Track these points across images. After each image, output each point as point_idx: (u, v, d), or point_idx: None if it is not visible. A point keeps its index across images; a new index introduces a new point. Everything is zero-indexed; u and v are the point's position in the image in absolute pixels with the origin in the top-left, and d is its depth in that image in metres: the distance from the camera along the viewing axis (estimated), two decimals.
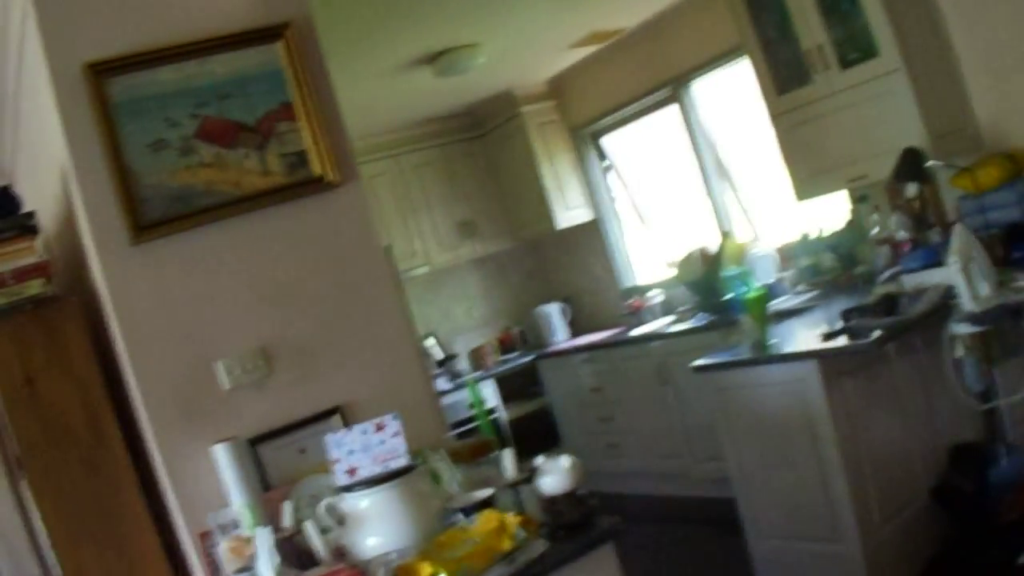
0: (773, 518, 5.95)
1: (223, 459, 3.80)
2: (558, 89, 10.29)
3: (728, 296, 7.75)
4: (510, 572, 3.04)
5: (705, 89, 8.88)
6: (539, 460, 3.39)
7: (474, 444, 4.39)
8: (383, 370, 4.30)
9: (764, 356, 5.79)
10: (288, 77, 4.30)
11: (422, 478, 3.44)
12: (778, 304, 7.52)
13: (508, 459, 3.62)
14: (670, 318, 8.89)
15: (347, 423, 3.99)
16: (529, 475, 3.45)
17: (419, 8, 6.67)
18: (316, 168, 4.26)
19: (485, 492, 3.50)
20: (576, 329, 10.39)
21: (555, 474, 3.28)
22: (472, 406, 8.39)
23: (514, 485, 3.58)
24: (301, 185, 4.24)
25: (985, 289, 4.80)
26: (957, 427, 5.90)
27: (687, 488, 8.35)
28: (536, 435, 9.59)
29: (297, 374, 4.17)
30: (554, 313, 10.37)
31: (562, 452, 7.90)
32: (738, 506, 6.17)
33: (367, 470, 3.34)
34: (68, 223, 4.60)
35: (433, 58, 7.89)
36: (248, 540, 3.53)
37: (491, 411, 9.44)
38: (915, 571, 5.59)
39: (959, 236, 4.87)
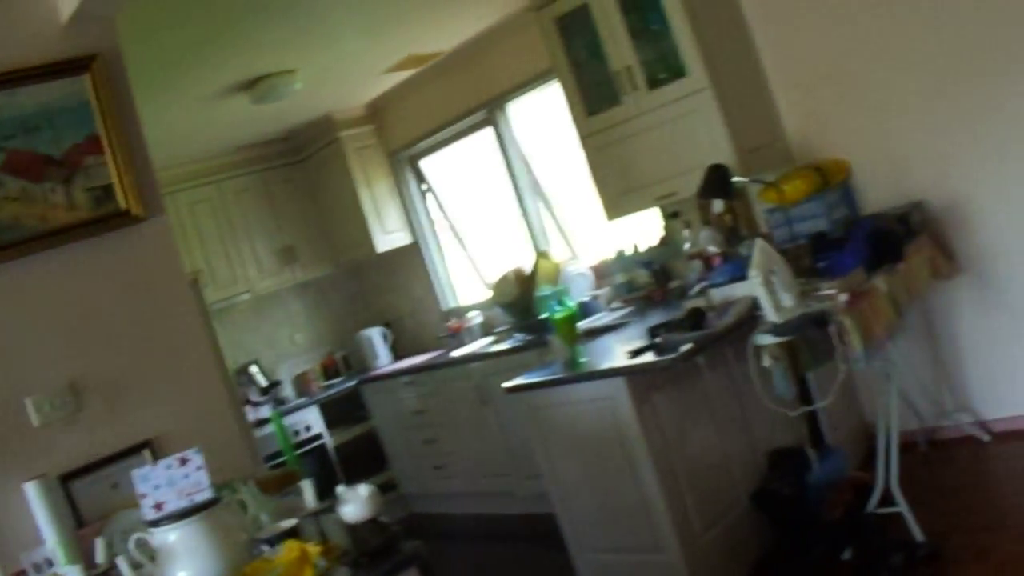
0: (595, 532, 6.01)
1: (34, 497, 3.78)
2: (376, 113, 10.31)
3: (543, 315, 7.84)
4: None
5: (520, 111, 8.99)
6: (339, 489, 3.43)
7: (280, 475, 4.39)
8: (192, 403, 4.31)
9: (573, 375, 5.84)
10: (95, 110, 4.28)
11: (228, 510, 3.45)
12: (593, 321, 7.66)
13: (309, 489, 3.66)
14: (489, 339, 8.96)
15: (158, 457, 3.96)
16: (330, 505, 3.50)
17: (234, 35, 6.64)
18: (122, 202, 4.25)
19: (289, 522, 3.53)
20: (398, 352, 10.42)
21: (355, 503, 3.32)
22: (279, 439, 8.39)
23: (317, 514, 3.62)
24: (107, 219, 4.23)
25: (788, 300, 4.94)
26: (775, 433, 6.05)
27: (513, 506, 8.39)
28: (363, 459, 9.60)
29: (107, 409, 4.16)
30: (376, 337, 10.37)
31: (388, 475, 7.92)
32: (560, 522, 6.23)
33: (173, 504, 3.34)
34: None
35: (250, 85, 7.85)
36: None
37: (316, 438, 9.41)
38: (741, 574, 5.73)
39: (759, 250, 4.99)
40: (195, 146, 9.46)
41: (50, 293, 4.15)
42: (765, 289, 4.93)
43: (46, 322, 4.13)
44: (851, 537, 5.40)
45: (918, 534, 5.23)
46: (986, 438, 6.39)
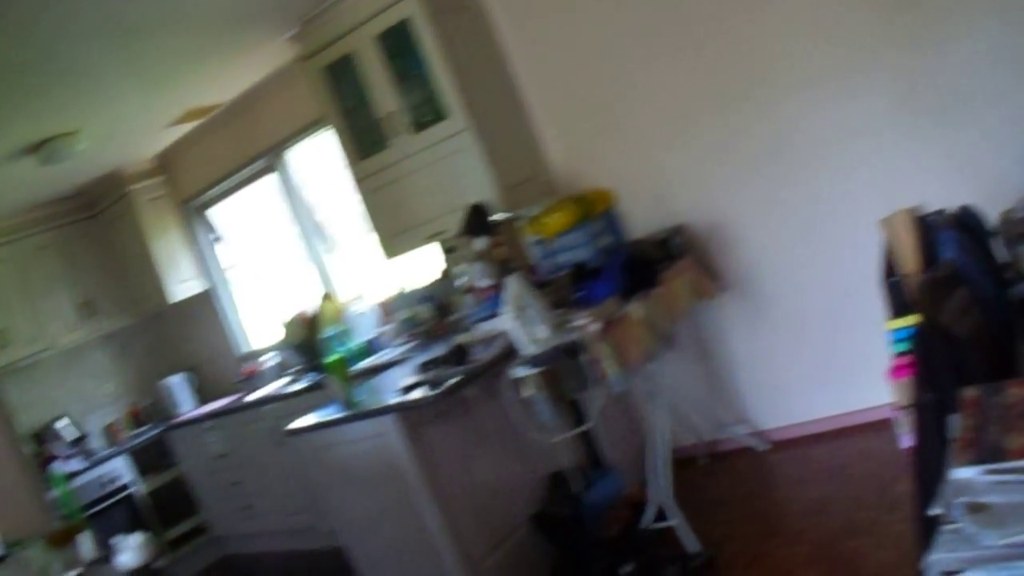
0: (385, 566, 6.17)
1: None
2: (164, 165, 10.42)
3: (327, 356, 8.02)
4: None
5: (299, 157, 9.22)
6: (114, 539, 3.61)
7: (66, 529, 4.51)
8: None
9: (346, 415, 6.00)
10: None
11: (16, 566, 3.63)
12: (378, 358, 7.87)
13: (87, 542, 3.85)
14: (282, 380, 9.12)
15: None
16: (107, 554, 3.68)
17: (12, 101, 6.72)
18: None
19: (72, 573, 3.71)
20: (202, 397, 10.52)
21: (129, 551, 3.51)
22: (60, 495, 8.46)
23: (95, 563, 3.80)
24: None
25: (543, 332, 5.20)
26: (555, 456, 6.20)
27: (317, 541, 8.55)
28: (174, 505, 9.68)
29: None
30: (178, 384, 10.49)
31: (200, 519, 8.01)
32: (350, 557, 6.40)
33: None
34: None
35: (35, 148, 7.88)
36: None
37: (126, 486, 9.47)
38: None
39: (512, 286, 5.26)
40: None
41: None
42: (519, 323, 5.19)
43: None
44: (629, 553, 5.59)
45: (693, 545, 5.52)
46: (763, 447, 6.71)
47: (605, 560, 5.66)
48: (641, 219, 6.83)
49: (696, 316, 6.74)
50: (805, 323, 6.46)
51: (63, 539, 4.28)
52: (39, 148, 7.94)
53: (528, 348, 5.22)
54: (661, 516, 5.74)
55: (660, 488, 5.75)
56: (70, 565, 3.88)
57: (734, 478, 6.55)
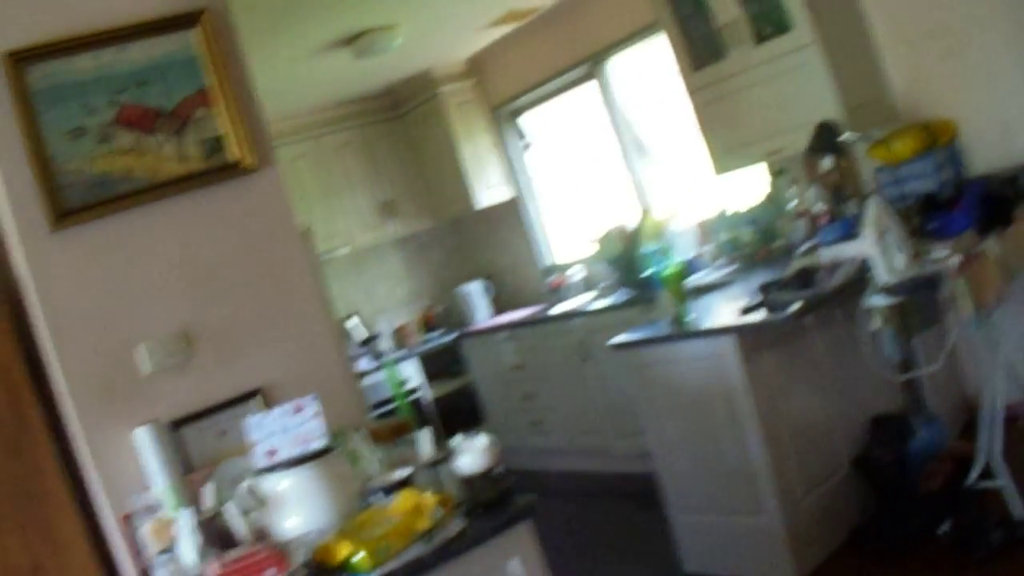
0: (694, 492, 5.98)
1: (144, 442, 3.84)
2: (476, 68, 10.31)
3: (648, 272, 7.79)
4: (428, 551, 3.07)
5: (623, 66, 8.92)
6: (456, 440, 3.43)
7: (393, 424, 4.41)
8: (302, 352, 4.34)
9: (682, 332, 5.81)
10: (204, 63, 4.32)
11: (341, 459, 3.48)
12: (697, 279, 7.59)
13: (425, 439, 3.68)
14: (591, 295, 8.91)
15: (267, 405, 4.02)
16: (446, 455, 3.50)
17: None
18: (233, 153, 4.29)
19: (403, 472, 3.55)
20: (498, 307, 10.42)
21: (471, 454, 3.32)
22: (392, 387, 8.43)
23: (432, 465, 3.63)
24: (219, 170, 4.27)
25: (900, 261, 4.87)
26: (878, 398, 5.97)
27: (609, 464, 8.40)
28: (460, 413, 9.64)
29: (217, 357, 4.20)
30: (476, 292, 10.39)
31: (485, 430, 8.02)
32: (659, 481, 6.20)
33: (286, 451, 3.37)
34: None
35: (351, 40, 7.91)
36: (170, 522, 3.56)
37: (414, 391, 9.47)
38: (837, 542, 5.66)
39: (873, 209, 4.93)
40: (296, 101, 9.52)
41: (163, 243, 4.19)
42: (879, 249, 4.87)
43: (159, 271, 4.17)
44: (950, 510, 5.30)
45: (1020, 511, 5.14)
46: None
47: (923, 515, 5.39)
48: (983, 154, 6.38)
49: None
50: None
51: (390, 434, 4.18)
52: (356, 40, 7.98)
53: (885, 277, 4.87)
54: (986, 475, 5.31)
55: (990, 445, 5.32)
56: (401, 463, 3.72)
57: None
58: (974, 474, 5.33)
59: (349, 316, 9.93)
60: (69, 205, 4.01)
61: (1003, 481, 5.19)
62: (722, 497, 5.79)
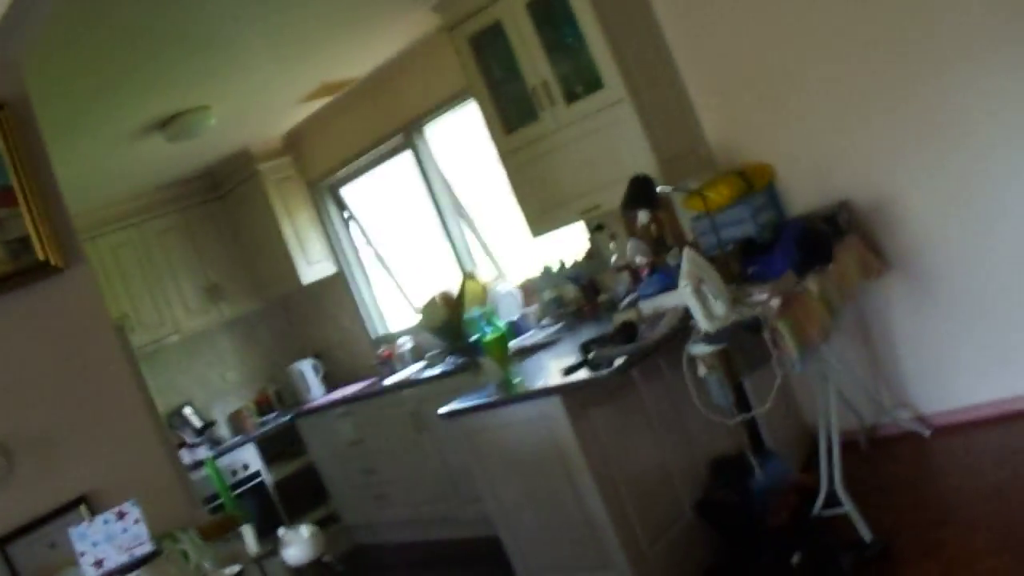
0: (540, 552, 5.98)
1: None
2: (294, 143, 10.25)
3: (474, 337, 7.78)
4: None
5: (438, 132, 8.96)
6: (282, 531, 3.38)
7: (220, 520, 4.33)
8: (125, 454, 4.23)
9: (508, 396, 5.81)
10: (5, 161, 4.20)
11: (170, 561, 3.41)
12: (524, 340, 7.63)
13: (249, 535, 3.62)
14: (421, 364, 8.88)
15: (94, 512, 3.91)
16: (273, 548, 3.45)
17: (144, 74, 6.57)
18: (40, 253, 4.18)
19: (233, 569, 3.49)
20: (331, 383, 10.31)
21: (297, 544, 3.27)
22: (215, 483, 8.31)
23: (261, 559, 3.57)
24: (25, 272, 4.16)
25: (720, 308, 4.93)
26: (716, 441, 6.03)
27: (457, 530, 8.34)
28: (303, 494, 9.52)
29: (38, 467, 4.08)
30: (307, 369, 10.27)
31: (329, 508, 7.86)
32: (505, 545, 6.20)
33: (113, 560, 3.29)
34: None
35: (164, 123, 7.77)
36: None
37: (256, 475, 9.33)
38: None
39: (688, 259, 4.97)
40: (113, 189, 9.35)
41: None
42: (696, 298, 4.92)
43: None
44: (799, 541, 5.36)
45: (866, 533, 5.21)
46: (927, 433, 6.38)
47: (774, 549, 5.43)
48: (801, 194, 6.53)
49: (858, 296, 6.39)
50: (973, 303, 6.12)
51: (218, 530, 4.09)
52: (168, 124, 7.82)
53: (705, 324, 4.94)
54: (830, 503, 5.47)
55: (831, 473, 5.49)
56: (231, 559, 3.64)
57: (898, 464, 6.26)
58: (819, 503, 5.50)
59: (183, 405, 9.74)
60: None
61: (848, 507, 5.30)
62: (569, 555, 5.78)
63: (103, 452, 4.18)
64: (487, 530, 7.02)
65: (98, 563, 3.30)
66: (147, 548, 3.29)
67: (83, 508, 4.05)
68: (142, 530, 3.31)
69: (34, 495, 4.03)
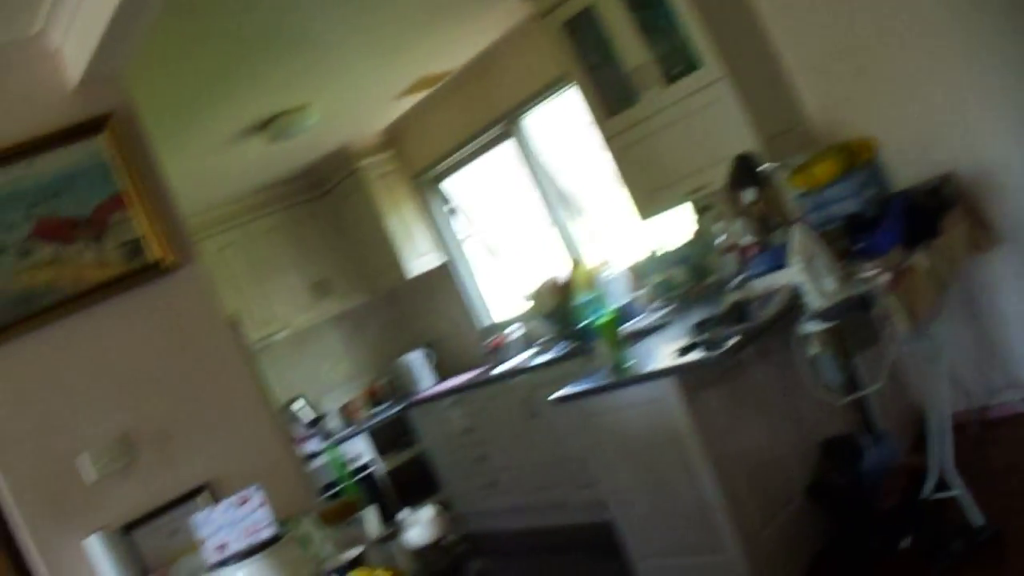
0: (653, 536, 5.95)
1: (97, 550, 3.84)
2: (394, 138, 10.34)
3: (584, 323, 7.79)
4: None
5: (538, 120, 8.96)
6: (403, 513, 3.43)
7: (340, 505, 4.39)
8: (244, 443, 4.35)
9: (622, 379, 5.77)
10: (115, 167, 4.35)
11: (292, 546, 3.46)
12: (634, 324, 7.58)
13: (371, 517, 3.67)
14: (531, 351, 8.87)
15: (215, 499, 4.03)
16: (395, 530, 3.50)
17: (243, 76, 6.69)
18: (153, 254, 4.30)
19: (354, 551, 3.55)
20: (441, 373, 10.37)
21: (419, 526, 3.32)
22: (335, 469, 8.40)
23: (382, 541, 3.63)
24: (140, 272, 4.30)
25: (830, 285, 4.86)
26: (826, 422, 5.94)
27: (568, 517, 8.34)
28: (415, 483, 9.58)
29: (160, 457, 4.21)
30: (417, 360, 10.34)
31: (441, 497, 7.94)
32: (617, 529, 6.17)
33: (236, 544, 3.35)
34: None
35: (265, 124, 7.88)
36: None
37: (366, 467, 9.42)
38: (800, 570, 5.62)
39: (798, 235, 4.92)
40: (217, 191, 9.50)
41: (93, 350, 4.22)
42: (808, 275, 4.88)
43: (92, 379, 4.20)
44: (909, 524, 5.30)
45: (977, 518, 5.10)
46: None
47: (883, 532, 5.37)
48: (904, 168, 6.36)
49: (965, 271, 6.24)
50: None
51: (339, 515, 4.15)
52: (269, 124, 7.94)
53: (817, 302, 4.89)
54: (942, 486, 5.30)
55: (942, 456, 5.31)
56: (352, 542, 3.71)
57: (1010, 446, 6.09)
58: (929, 486, 5.33)
59: (294, 399, 9.86)
60: None
61: (958, 490, 5.18)
62: (681, 538, 5.75)
63: (222, 442, 4.31)
64: (598, 516, 7.03)
65: (221, 547, 3.37)
66: (270, 532, 3.36)
67: (204, 496, 4.18)
68: (265, 514, 3.38)
69: (157, 484, 4.18)
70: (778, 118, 6.57)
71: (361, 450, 9.50)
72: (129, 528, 4.06)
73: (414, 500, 9.14)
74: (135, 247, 4.30)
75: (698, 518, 5.57)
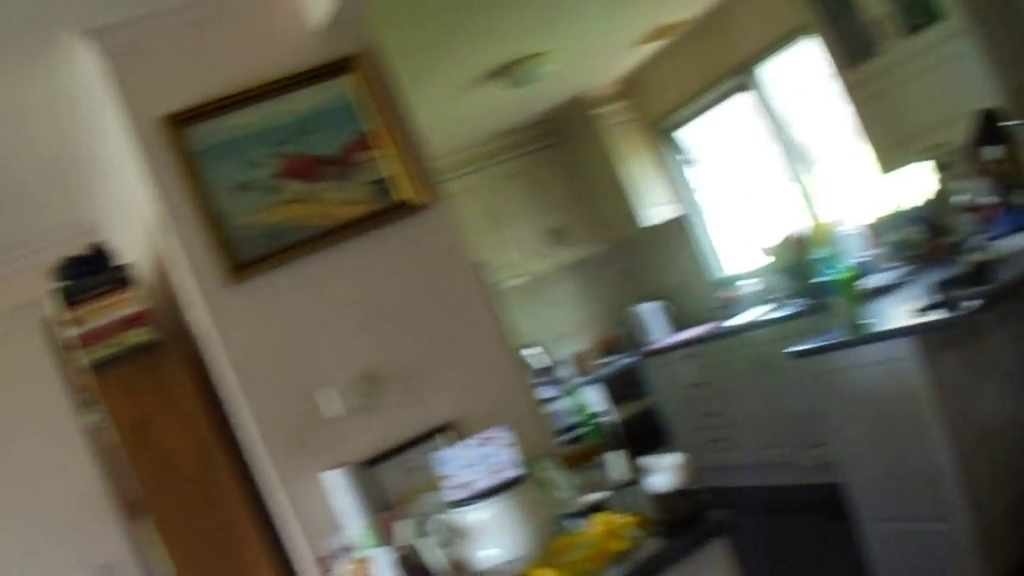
0: (881, 500, 5.80)
1: (338, 484, 3.92)
2: (630, 88, 10.27)
3: (820, 279, 7.65)
4: (625, 572, 3.04)
5: (775, 72, 8.80)
6: (647, 459, 3.39)
7: (582, 449, 4.38)
8: (487, 385, 4.38)
9: (859, 336, 5.61)
10: (362, 107, 4.42)
11: (533, 487, 3.46)
12: (870, 281, 7.39)
13: (617, 461, 3.64)
14: (765, 306, 8.75)
15: (456, 439, 4.03)
16: (637, 475, 3.46)
17: (484, 23, 6.74)
18: (401, 193, 4.36)
19: (596, 495, 3.53)
20: (675, 325, 10.28)
21: (664, 472, 3.28)
22: (577, 412, 8.39)
23: (624, 486, 3.59)
24: (387, 211, 4.36)
25: None
26: None
27: (796, 476, 8.22)
28: (644, 435, 9.54)
29: (404, 395, 4.28)
30: (651, 311, 10.29)
31: (670, 449, 7.88)
32: (846, 491, 6.04)
33: (479, 483, 3.37)
34: (159, 271, 4.72)
35: (503, 70, 7.92)
36: (366, 561, 3.59)
37: (598, 414, 9.42)
38: None
39: None
40: (456, 136, 9.59)
41: (339, 287, 4.29)
42: None
43: (338, 315, 4.28)
44: None
45: None
46: None
47: None
48: None
49: None
50: None
51: (580, 459, 4.15)
52: (508, 70, 7.97)
53: None
54: None
55: None
56: (594, 486, 3.70)
57: None
58: None
59: (528, 345, 9.90)
60: (243, 258, 4.12)
61: None
62: (910, 504, 5.60)
63: (465, 382, 4.35)
64: (826, 476, 6.92)
65: (464, 485, 3.39)
66: (513, 472, 3.36)
67: (445, 435, 4.21)
68: (510, 455, 3.37)
69: (399, 421, 4.24)
70: None
71: (593, 399, 9.48)
72: (370, 463, 4.12)
73: (642, 452, 9.17)
74: (382, 186, 4.35)
75: (928, 485, 5.41)
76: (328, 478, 4.02)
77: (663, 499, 3.26)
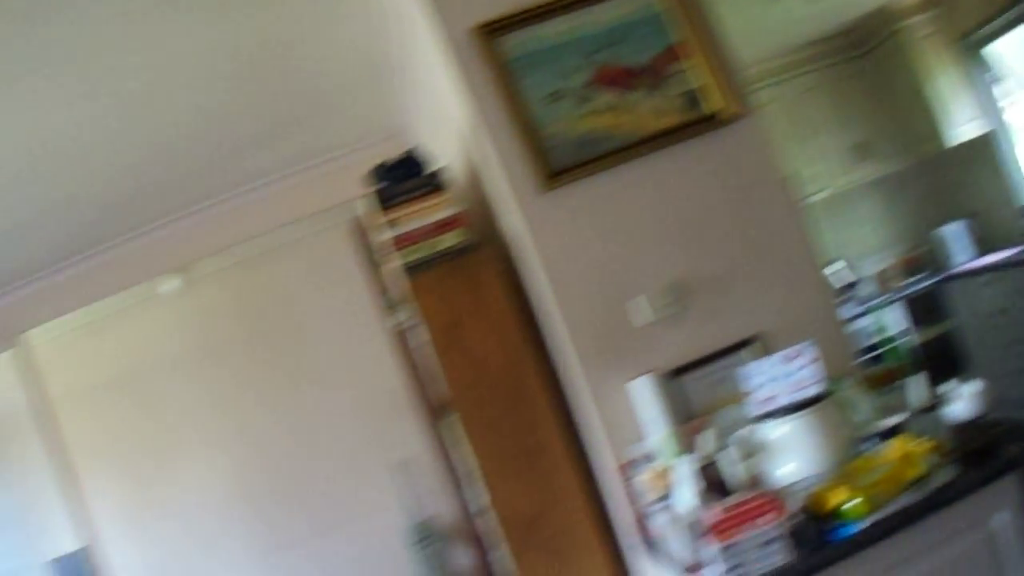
0: None
1: (645, 392, 3.99)
2: None
3: None
4: (919, 499, 3.02)
5: None
6: (947, 385, 3.34)
7: (883, 371, 4.35)
8: (792, 300, 4.34)
9: None
10: (669, 19, 4.41)
11: (834, 406, 3.45)
12: None
13: (917, 385, 3.60)
14: None
15: (761, 353, 4.05)
16: (937, 401, 3.41)
17: None
18: (711, 104, 4.35)
19: (894, 419, 3.50)
20: (981, 248, 9.97)
21: (963, 400, 3.22)
22: (879, 333, 8.26)
23: (922, 411, 3.55)
24: (699, 122, 4.35)
25: None
26: None
27: None
28: (944, 360, 9.34)
29: (711, 306, 4.28)
30: (955, 232, 10.01)
31: (970, 377, 7.71)
32: None
33: (782, 399, 3.38)
34: (471, 176, 4.81)
35: None
36: (667, 470, 3.64)
37: (899, 336, 9.27)
38: None
39: None
40: (758, 47, 9.43)
41: (649, 198, 4.31)
42: None
43: (647, 225, 4.30)
44: None
45: None
46: None
47: None
48: None
49: None
50: None
51: (881, 381, 4.12)
52: None
53: None
54: None
55: None
56: (894, 409, 3.67)
57: None
58: None
59: (831, 261, 9.78)
60: (556, 166, 4.19)
61: None
62: None
63: (772, 296, 4.32)
64: None
65: (768, 399, 3.40)
66: (817, 389, 3.35)
67: (753, 347, 4.20)
68: (815, 372, 3.37)
69: (706, 332, 4.25)
70: None
71: (892, 320, 9.33)
72: (676, 373, 4.15)
73: (939, 377, 8.99)
74: (693, 97, 4.34)
75: None
76: (634, 386, 4.07)
77: (960, 428, 3.21)
